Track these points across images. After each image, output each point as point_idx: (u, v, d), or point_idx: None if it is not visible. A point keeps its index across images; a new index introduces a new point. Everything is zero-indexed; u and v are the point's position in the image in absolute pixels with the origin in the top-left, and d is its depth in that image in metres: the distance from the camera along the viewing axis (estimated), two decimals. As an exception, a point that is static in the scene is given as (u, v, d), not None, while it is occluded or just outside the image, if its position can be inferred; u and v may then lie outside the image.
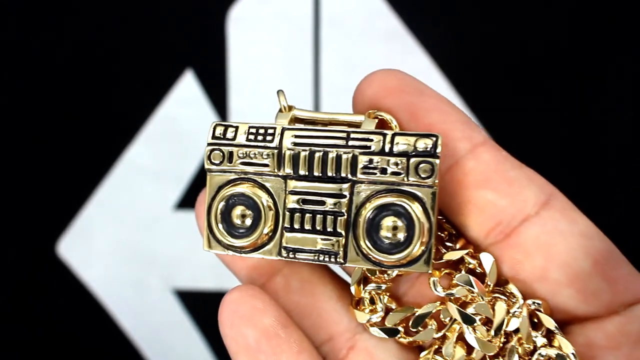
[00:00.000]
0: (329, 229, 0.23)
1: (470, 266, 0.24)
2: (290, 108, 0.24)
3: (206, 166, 0.24)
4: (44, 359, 0.48)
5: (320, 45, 0.44)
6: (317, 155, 0.23)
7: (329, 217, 0.23)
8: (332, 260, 0.23)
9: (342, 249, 0.23)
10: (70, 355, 0.48)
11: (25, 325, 0.48)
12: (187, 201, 0.46)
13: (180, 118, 0.46)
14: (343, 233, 0.23)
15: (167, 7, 0.45)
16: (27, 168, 0.47)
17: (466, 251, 0.24)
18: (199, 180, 0.46)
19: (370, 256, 0.22)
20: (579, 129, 0.43)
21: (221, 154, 0.24)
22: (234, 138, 0.23)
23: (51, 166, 0.46)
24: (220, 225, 0.23)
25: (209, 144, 0.24)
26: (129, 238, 0.47)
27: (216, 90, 0.45)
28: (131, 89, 0.46)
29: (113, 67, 0.45)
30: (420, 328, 0.24)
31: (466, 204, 0.23)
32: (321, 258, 0.23)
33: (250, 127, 0.23)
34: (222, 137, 0.24)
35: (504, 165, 0.23)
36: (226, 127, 0.24)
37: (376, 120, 0.23)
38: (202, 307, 0.47)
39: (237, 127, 0.24)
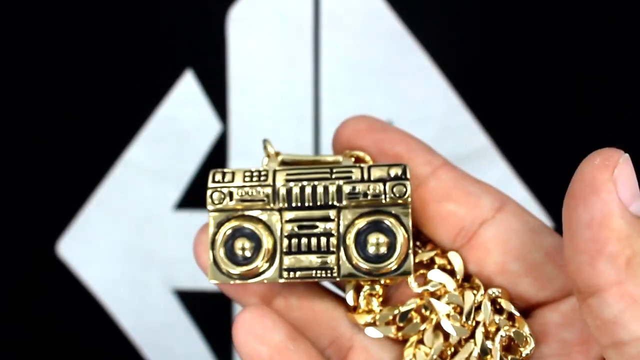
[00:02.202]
0: (323, 249, 0.26)
1: (441, 265, 0.28)
2: (277, 154, 0.29)
3: (208, 207, 0.27)
4: (44, 359, 0.48)
5: (320, 45, 0.44)
6: (307, 190, 0.26)
7: (322, 238, 0.26)
8: (328, 275, 0.26)
9: (335, 265, 0.26)
10: (70, 355, 0.48)
11: (25, 325, 0.48)
12: (187, 201, 0.46)
13: (180, 118, 0.46)
14: (335, 251, 0.26)
15: (167, 7, 0.45)
16: (27, 168, 0.47)
17: (434, 252, 0.28)
18: (199, 180, 0.46)
19: (360, 268, 0.26)
20: (579, 129, 0.43)
21: (222, 194, 0.27)
22: (232, 180, 0.27)
23: (51, 166, 0.46)
24: (224, 257, 0.27)
25: (209, 188, 0.27)
26: (129, 238, 0.47)
27: (216, 90, 0.45)
28: (131, 89, 0.46)
29: (113, 67, 0.45)
30: (406, 322, 0.27)
31: (433, 217, 0.27)
32: (318, 274, 0.26)
33: (245, 172, 0.27)
34: (221, 181, 0.27)
35: (461, 181, 0.27)
36: (224, 173, 0.27)
37: (352, 159, 0.28)
38: (202, 307, 0.47)
39: (233, 173, 0.27)
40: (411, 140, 0.28)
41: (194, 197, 0.46)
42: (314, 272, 0.26)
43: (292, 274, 0.26)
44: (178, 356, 0.47)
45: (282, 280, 0.26)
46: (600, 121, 0.43)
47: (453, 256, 0.27)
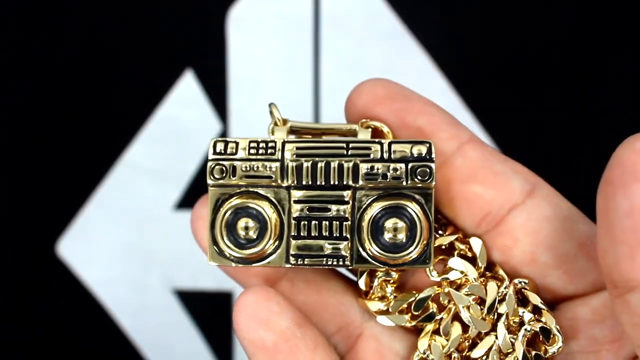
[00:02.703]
0: (335, 234, 0.24)
1: (462, 251, 0.25)
2: (285, 121, 0.26)
3: (208, 181, 0.25)
4: (44, 359, 0.48)
5: (320, 45, 0.44)
6: (319, 165, 0.24)
7: (334, 222, 0.24)
8: (340, 263, 0.24)
9: (348, 252, 0.24)
10: (70, 355, 0.48)
11: (25, 325, 0.48)
12: (187, 201, 0.46)
13: (180, 118, 0.46)
14: (349, 237, 0.24)
15: (167, 7, 0.45)
16: (27, 168, 0.47)
17: (455, 236, 0.25)
18: (199, 180, 0.46)
19: (375, 257, 0.24)
20: (579, 129, 0.43)
21: (223, 168, 0.24)
22: (235, 152, 0.24)
23: (51, 166, 0.46)
24: (225, 238, 0.24)
25: (211, 160, 0.24)
26: (129, 238, 0.47)
27: (216, 90, 0.45)
28: (131, 89, 0.46)
29: (113, 67, 0.45)
30: (422, 311, 0.25)
31: (457, 199, 0.25)
32: (329, 262, 0.24)
33: (250, 142, 0.24)
34: (223, 152, 0.24)
35: (489, 160, 0.25)
36: (226, 143, 0.25)
37: (370, 130, 0.25)
38: (202, 307, 0.47)
39: (237, 143, 0.25)
40: (436, 112, 0.25)
41: (194, 197, 0.46)
42: (324, 259, 0.24)
43: (300, 260, 0.24)
44: (178, 356, 0.47)
45: (288, 266, 0.24)
46: (600, 121, 0.43)
47: (475, 242, 0.25)
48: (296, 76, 0.45)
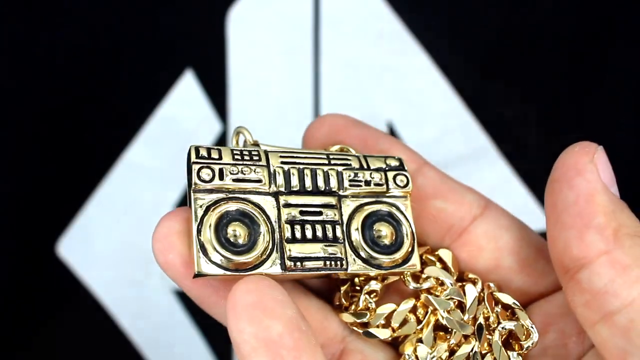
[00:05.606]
0: (329, 237, 0.24)
1: (432, 263, 0.27)
2: (256, 143, 0.26)
3: (194, 185, 0.23)
4: (44, 359, 0.48)
5: (320, 45, 0.44)
6: (306, 172, 0.25)
7: (328, 225, 0.24)
8: (339, 265, 0.24)
9: (344, 255, 0.24)
10: (71, 355, 0.48)
11: (25, 325, 0.48)
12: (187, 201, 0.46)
13: (180, 118, 0.46)
14: (342, 240, 0.24)
15: (167, 7, 0.45)
16: (27, 168, 0.47)
17: (425, 248, 0.27)
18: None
19: (369, 260, 0.24)
20: (579, 129, 0.43)
21: (211, 171, 0.23)
22: (220, 158, 0.24)
23: (51, 166, 0.46)
24: (216, 245, 0.23)
25: (195, 163, 0.23)
26: (129, 238, 0.47)
27: (216, 90, 0.45)
28: (131, 88, 0.46)
29: (113, 67, 0.45)
30: (401, 323, 0.26)
31: (420, 216, 0.27)
32: (327, 265, 0.23)
33: (233, 150, 0.24)
34: (207, 157, 0.24)
35: (445, 179, 0.27)
36: (209, 149, 0.24)
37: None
38: (202, 307, 0.47)
39: (220, 150, 0.24)
40: (391, 138, 0.28)
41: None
42: (322, 262, 0.23)
43: (298, 264, 0.23)
44: (178, 356, 0.47)
45: (286, 272, 0.23)
46: (600, 121, 0.43)
47: (444, 253, 0.27)
48: (296, 76, 0.45)
